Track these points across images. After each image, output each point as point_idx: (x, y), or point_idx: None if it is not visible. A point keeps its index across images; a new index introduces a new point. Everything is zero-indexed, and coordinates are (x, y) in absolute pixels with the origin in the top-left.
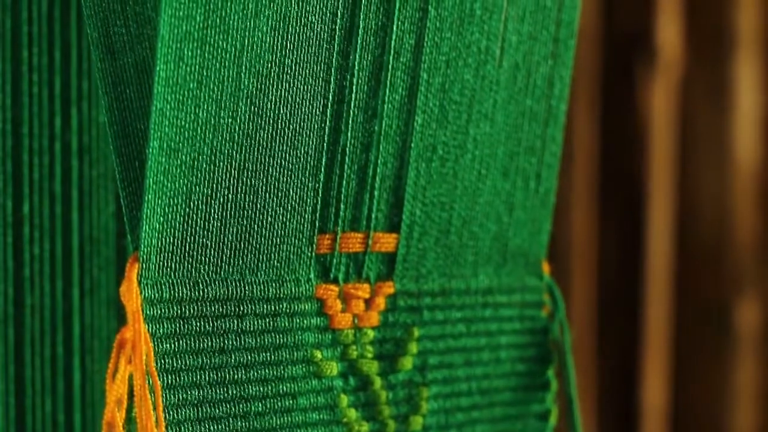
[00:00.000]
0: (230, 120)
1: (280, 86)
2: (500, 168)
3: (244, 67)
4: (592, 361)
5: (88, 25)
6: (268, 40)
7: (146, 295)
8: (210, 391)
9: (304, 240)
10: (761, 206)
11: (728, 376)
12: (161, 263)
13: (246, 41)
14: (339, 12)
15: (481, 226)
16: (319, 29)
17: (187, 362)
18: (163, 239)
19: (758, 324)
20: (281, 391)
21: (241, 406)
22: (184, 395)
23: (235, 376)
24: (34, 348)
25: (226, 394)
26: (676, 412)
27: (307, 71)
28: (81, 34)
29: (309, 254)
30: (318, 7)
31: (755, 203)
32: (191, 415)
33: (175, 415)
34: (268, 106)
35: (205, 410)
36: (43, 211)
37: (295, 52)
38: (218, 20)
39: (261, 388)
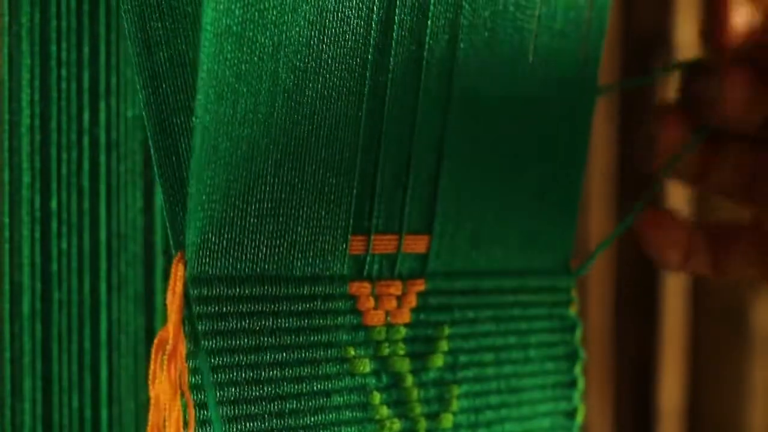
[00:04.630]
0: (268, 115)
1: (316, 81)
2: (531, 165)
3: (281, 62)
4: (608, 359)
5: (125, 20)
6: (305, 34)
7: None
8: (246, 389)
9: (338, 236)
10: None
11: (745, 375)
12: (200, 259)
13: (284, 36)
14: (375, 7)
15: (513, 223)
16: (355, 24)
17: (225, 360)
18: (203, 235)
19: None
20: (315, 389)
21: (276, 404)
22: (221, 393)
23: (271, 374)
24: (61, 343)
25: (261, 392)
26: (693, 411)
27: (344, 66)
28: (110, 28)
29: (343, 250)
30: (355, 2)
31: None
32: (227, 413)
33: (213, 412)
34: (305, 101)
35: (240, 408)
36: (71, 206)
37: (331, 47)
38: (257, 15)
39: (296, 386)
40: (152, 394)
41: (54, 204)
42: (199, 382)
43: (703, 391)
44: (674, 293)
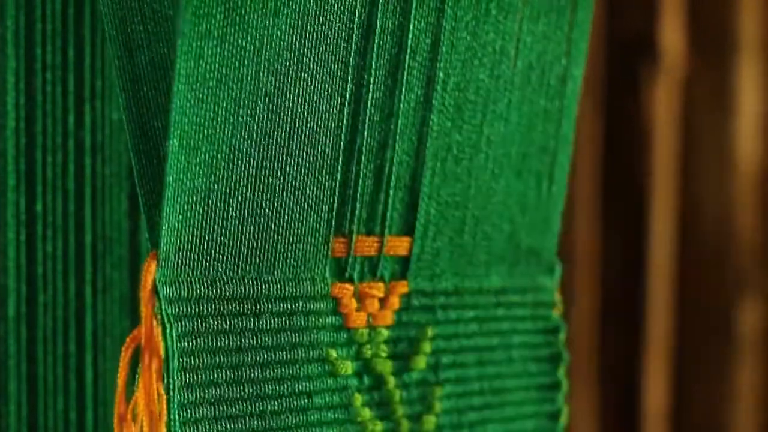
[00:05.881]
0: (249, 118)
1: (298, 85)
2: (514, 168)
3: (262, 66)
4: (594, 363)
5: (105, 23)
6: (286, 38)
7: (164, 293)
8: (227, 389)
9: (320, 238)
10: (763, 209)
11: (730, 378)
12: (179, 261)
13: (265, 39)
14: (357, 11)
15: (495, 225)
16: (337, 28)
17: (205, 361)
18: (182, 237)
19: (760, 327)
20: (297, 390)
21: (257, 404)
22: (202, 394)
23: (252, 375)
24: (46, 346)
25: (242, 393)
26: (678, 415)
27: (325, 70)
28: (95, 31)
29: (325, 253)
30: (336, 6)
31: (757, 206)
32: (208, 413)
33: (193, 413)
34: (286, 105)
35: (221, 409)
36: (56, 209)
37: (313, 51)
38: (238, 18)
39: (277, 387)
40: (118, 390)
41: (39, 207)
42: (183, 381)
43: (687, 394)
44: (659, 296)
